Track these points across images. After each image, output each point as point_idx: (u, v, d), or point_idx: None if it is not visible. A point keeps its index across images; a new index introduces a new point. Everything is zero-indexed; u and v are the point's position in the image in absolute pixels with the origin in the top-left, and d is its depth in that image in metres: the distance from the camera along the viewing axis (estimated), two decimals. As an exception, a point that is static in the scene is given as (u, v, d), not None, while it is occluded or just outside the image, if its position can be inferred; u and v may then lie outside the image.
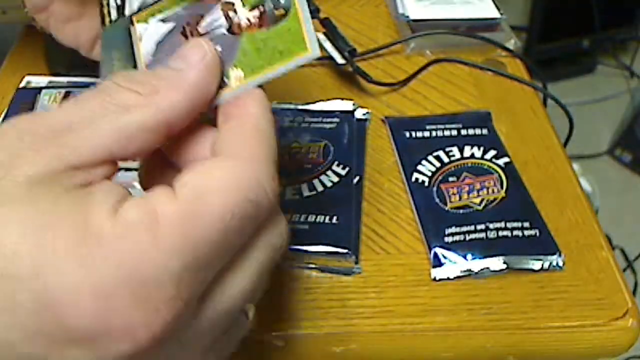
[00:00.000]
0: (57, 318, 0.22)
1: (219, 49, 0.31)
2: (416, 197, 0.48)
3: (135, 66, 0.34)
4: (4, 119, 0.53)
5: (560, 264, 0.44)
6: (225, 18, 0.33)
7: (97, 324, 0.22)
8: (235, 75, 0.31)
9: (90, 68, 0.57)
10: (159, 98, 0.26)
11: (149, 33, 0.35)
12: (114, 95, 0.26)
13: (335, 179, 0.48)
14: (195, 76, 0.28)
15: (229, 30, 0.32)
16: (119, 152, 0.25)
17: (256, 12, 0.32)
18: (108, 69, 0.35)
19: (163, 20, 0.34)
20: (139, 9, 0.35)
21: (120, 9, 0.36)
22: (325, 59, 0.60)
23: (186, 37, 0.33)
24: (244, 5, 0.32)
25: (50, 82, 0.57)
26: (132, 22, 0.35)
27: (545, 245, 0.45)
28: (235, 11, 0.32)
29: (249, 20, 0.32)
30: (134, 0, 0.36)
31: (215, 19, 0.33)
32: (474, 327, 0.41)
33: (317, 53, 0.29)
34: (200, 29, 0.33)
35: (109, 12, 0.37)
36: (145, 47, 0.34)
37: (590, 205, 0.49)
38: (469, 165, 0.50)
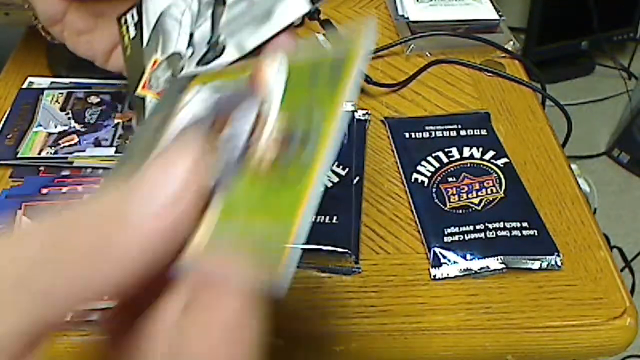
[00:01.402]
0: None
1: (220, 166, 0.24)
2: (415, 198, 0.48)
3: (163, 132, 0.28)
4: (6, 119, 0.53)
5: (559, 263, 0.44)
6: (252, 130, 0.25)
7: None
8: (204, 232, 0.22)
9: (91, 69, 0.57)
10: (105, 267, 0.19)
11: (192, 103, 0.29)
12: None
13: (335, 179, 0.48)
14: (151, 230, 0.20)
15: (244, 149, 0.24)
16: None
17: (279, 137, 0.24)
18: (141, 140, 0.30)
19: (214, 90, 0.29)
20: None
21: (138, 25, 0.36)
22: (325, 60, 0.61)
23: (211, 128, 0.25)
24: (275, 126, 0.25)
25: (52, 82, 0.57)
26: (186, 87, 0.30)
27: (543, 245, 0.45)
28: (265, 124, 0.25)
29: (268, 150, 0.24)
30: (151, 15, 0.36)
31: (242, 127, 0.25)
32: (473, 326, 0.41)
33: (297, 257, 0.22)
34: (223, 133, 0.25)
35: (127, 29, 0.37)
36: (184, 115, 0.29)
37: (589, 205, 0.50)
38: (468, 165, 0.50)
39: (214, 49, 0.33)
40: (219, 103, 0.27)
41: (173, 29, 0.36)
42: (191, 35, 0.35)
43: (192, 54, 0.34)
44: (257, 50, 0.32)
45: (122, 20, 0.37)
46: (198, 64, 0.34)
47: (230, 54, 0.33)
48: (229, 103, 0.26)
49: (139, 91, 0.36)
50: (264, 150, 0.24)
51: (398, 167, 0.51)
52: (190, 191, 0.20)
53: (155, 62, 0.36)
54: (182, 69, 0.34)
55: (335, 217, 0.45)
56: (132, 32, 0.37)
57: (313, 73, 0.25)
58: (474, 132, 0.53)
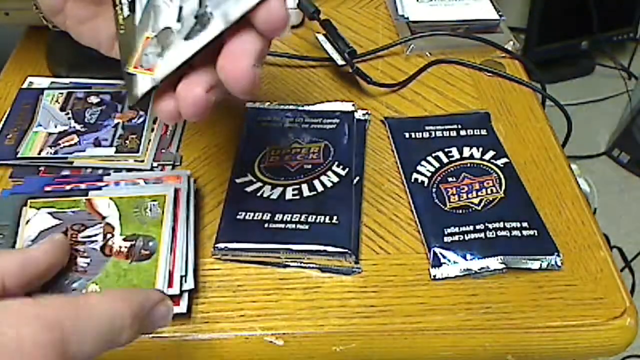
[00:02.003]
0: None
1: (87, 261, 0.39)
2: (416, 198, 0.48)
3: (14, 244, 0.41)
4: (6, 119, 0.53)
5: (559, 263, 0.44)
6: (103, 236, 0.41)
7: None
8: (92, 289, 0.38)
9: (91, 69, 0.57)
10: None
11: (36, 220, 0.42)
12: None
13: (335, 179, 0.48)
14: (34, 253, 0.35)
15: (102, 247, 0.40)
16: None
17: (128, 244, 0.40)
18: None
19: (52, 214, 0.42)
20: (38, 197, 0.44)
21: (132, 5, 0.36)
22: (325, 60, 0.61)
23: (66, 235, 0.40)
24: (121, 233, 0.41)
25: (52, 82, 0.57)
26: (25, 204, 0.43)
27: (543, 245, 0.45)
28: (113, 235, 0.41)
29: (120, 247, 0.40)
30: None
31: (95, 234, 0.41)
32: (473, 326, 0.41)
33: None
34: (80, 237, 0.40)
35: (121, 9, 0.37)
36: (29, 231, 0.41)
37: (589, 205, 0.50)
38: (468, 165, 0.50)
39: (201, 21, 0.33)
40: (67, 218, 0.42)
41: (164, 4, 0.36)
42: (180, 9, 0.35)
43: (181, 28, 0.34)
44: (242, 20, 0.32)
45: (117, 1, 0.37)
46: (186, 38, 0.34)
47: (216, 26, 0.33)
48: (76, 218, 0.42)
49: (130, 69, 0.36)
50: (118, 248, 0.40)
51: (398, 167, 0.51)
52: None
53: (147, 38, 0.36)
54: (171, 44, 0.34)
55: (335, 217, 0.45)
56: (126, 12, 0.37)
57: (137, 204, 0.43)
58: (474, 132, 0.53)
